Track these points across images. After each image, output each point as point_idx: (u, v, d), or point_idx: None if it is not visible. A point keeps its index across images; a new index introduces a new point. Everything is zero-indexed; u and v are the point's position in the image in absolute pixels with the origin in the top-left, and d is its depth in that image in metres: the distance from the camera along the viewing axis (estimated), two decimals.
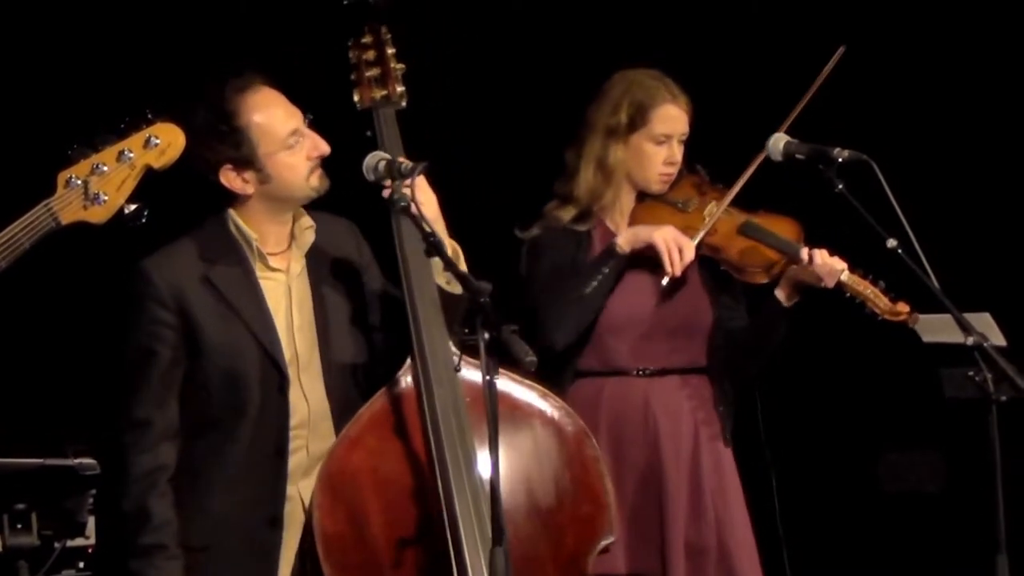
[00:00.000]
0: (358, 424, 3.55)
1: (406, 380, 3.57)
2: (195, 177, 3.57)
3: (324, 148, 3.59)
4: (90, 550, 4.09)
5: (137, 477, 3.51)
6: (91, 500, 4.01)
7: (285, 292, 3.62)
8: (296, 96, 3.65)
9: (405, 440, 3.53)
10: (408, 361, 3.58)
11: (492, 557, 3.18)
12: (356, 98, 3.74)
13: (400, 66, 3.75)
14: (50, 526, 3.99)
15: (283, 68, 3.75)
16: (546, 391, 3.66)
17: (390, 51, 3.76)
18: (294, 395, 3.57)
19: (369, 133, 3.70)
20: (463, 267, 3.59)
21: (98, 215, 3.25)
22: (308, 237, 3.66)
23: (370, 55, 3.76)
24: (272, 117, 3.55)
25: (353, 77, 3.75)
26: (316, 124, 3.65)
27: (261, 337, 3.56)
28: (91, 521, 4.02)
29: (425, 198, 3.57)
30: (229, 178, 3.58)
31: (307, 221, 3.66)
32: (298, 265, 3.65)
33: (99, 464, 3.99)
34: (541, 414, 3.63)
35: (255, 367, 3.54)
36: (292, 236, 3.65)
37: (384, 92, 3.73)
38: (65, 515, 3.98)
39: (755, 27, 5.23)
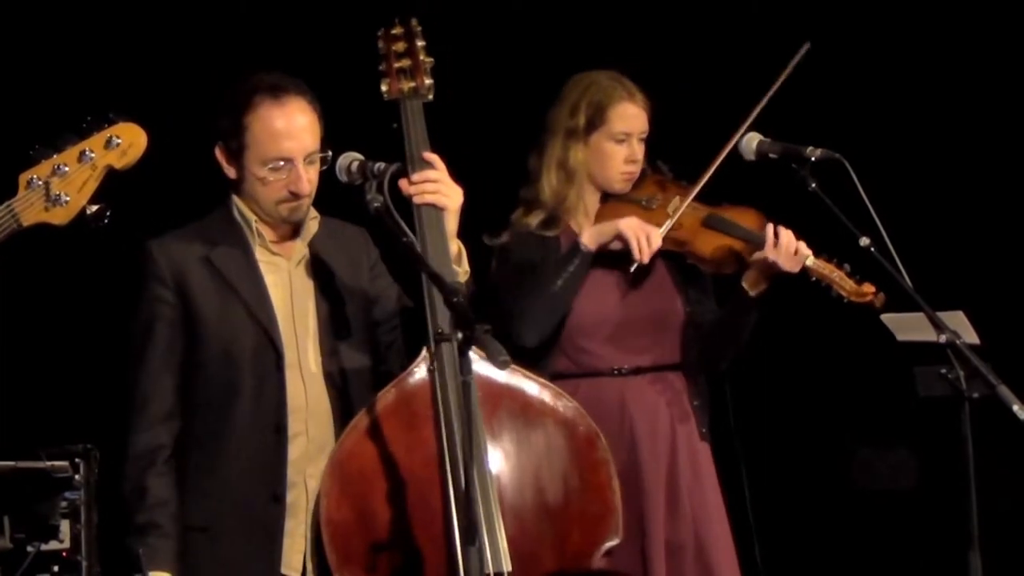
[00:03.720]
0: (371, 413, 3.54)
1: (420, 372, 3.56)
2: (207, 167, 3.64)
3: (301, 188, 3.59)
4: (64, 554, 4.07)
5: (135, 456, 3.56)
6: (64, 504, 3.99)
7: (286, 277, 3.66)
8: (320, 86, 3.62)
9: (416, 432, 3.53)
10: (422, 353, 3.56)
11: (467, 556, 3.18)
12: (384, 88, 3.71)
13: (429, 59, 3.72)
14: (23, 530, 3.97)
15: (308, 58, 3.74)
16: (559, 390, 3.66)
17: (420, 43, 3.72)
18: (292, 377, 3.60)
19: (395, 125, 3.68)
20: (466, 267, 3.63)
21: (60, 216, 3.24)
22: (312, 227, 3.69)
23: (400, 46, 3.72)
24: (268, 135, 3.58)
25: (381, 67, 3.72)
26: (341, 115, 3.63)
27: (258, 315, 3.59)
28: (64, 525, 4.01)
29: (450, 192, 3.58)
30: (220, 154, 3.64)
31: (311, 212, 3.70)
32: (299, 254, 3.68)
33: (96, 448, 4.00)
34: (554, 412, 3.62)
35: (251, 345, 3.58)
36: (296, 226, 3.68)
37: (412, 84, 3.70)
38: (38, 519, 3.96)
39: (718, 24, 5.24)
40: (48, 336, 4.69)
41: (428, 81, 3.70)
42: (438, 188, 3.57)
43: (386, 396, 3.55)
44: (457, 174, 3.42)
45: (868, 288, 3.90)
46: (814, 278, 3.95)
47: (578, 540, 3.57)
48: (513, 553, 3.34)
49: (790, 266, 3.94)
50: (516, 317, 3.96)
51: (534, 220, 4.12)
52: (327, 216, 3.73)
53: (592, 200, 4.15)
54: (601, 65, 4.16)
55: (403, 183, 3.56)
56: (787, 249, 3.92)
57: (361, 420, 3.54)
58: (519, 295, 3.97)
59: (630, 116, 4.09)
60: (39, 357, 4.66)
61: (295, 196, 3.60)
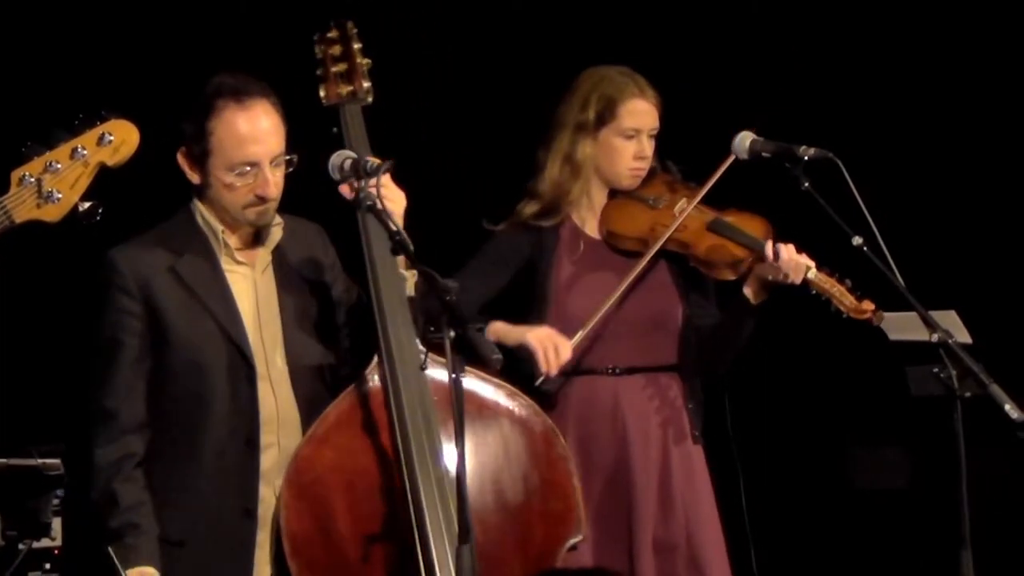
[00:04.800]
0: (325, 423, 3.54)
1: (373, 379, 3.57)
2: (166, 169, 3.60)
3: (268, 192, 3.55)
4: (56, 551, 4.07)
5: (103, 466, 3.51)
6: (56, 501, 3.99)
7: (251, 286, 3.62)
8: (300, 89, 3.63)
9: (372, 439, 3.53)
10: (375, 360, 3.58)
11: (459, 555, 3.18)
12: (322, 94, 3.72)
13: (366, 61, 3.73)
14: (15, 527, 3.97)
15: (250, 63, 3.74)
16: (514, 390, 3.66)
17: (356, 46, 3.73)
18: (262, 388, 3.57)
19: (335, 129, 3.69)
20: (413, 272, 3.60)
21: (52, 213, 3.23)
22: (276, 234, 3.65)
23: (336, 50, 3.73)
24: (233, 139, 3.53)
25: (319, 73, 3.73)
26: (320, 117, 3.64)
27: (227, 328, 3.55)
28: (56, 522, 4.00)
29: (393, 196, 3.57)
30: (183, 159, 3.59)
31: (276, 218, 3.65)
32: (264, 261, 3.65)
33: (67, 457, 3.98)
34: (509, 413, 3.63)
35: (221, 358, 3.54)
36: (259, 233, 3.64)
37: (350, 88, 3.71)
38: (30, 516, 3.96)
39: (728, 25, 5.24)
40: (41, 334, 4.68)
41: (366, 84, 3.70)
42: (383, 194, 3.52)
43: (340, 404, 3.55)
44: (460, 171, 3.44)
45: (868, 305, 3.90)
46: (814, 291, 3.94)
47: (541, 539, 3.57)
48: (479, 556, 3.29)
49: (791, 278, 3.93)
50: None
51: (529, 210, 4.11)
52: (287, 214, 3.69)
53: (599, 196, 4.15)
54: (604, 63, 4.15)
55: (344, 188, 3.54)
56: (789, 261, 3.92)
57: (317, 429, 3.53)
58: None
59: (640, 112, 4.08)
60: (32, 355, 4.65)
61: (262, 200, 3.55)
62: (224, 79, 3.57)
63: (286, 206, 3.67)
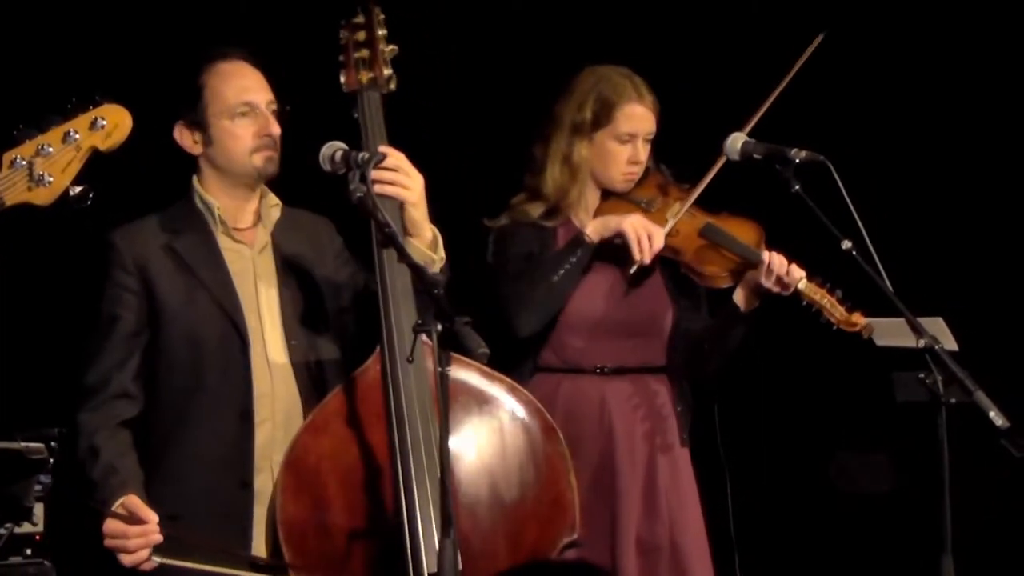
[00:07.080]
0: (325, 411, 3.56)
1: (374, 369, 3.57)
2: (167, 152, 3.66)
3: (273, 129, 3.62)
4: (38, 537, 4.07)
5: (86, 425, 3.55)
6: (39, 486, 3.99)
7: (249, 264, 3.67)
8: (284, 78, 3.67)
9: (370, 429, 3.53)
10: (377, 350, 3.57)
11: (441, 548, 3.17)
12: (342, 80, 3.72)
13: (389, 48, 3.71)
14: None
15: (272, 49, 3.76)
16: (515, 385, 3.66)
17: (380, 33, 3.71)
18: (257, 363, 3.60)
19: (355, 115, 3.69)
20: (442, 253, 3.63)
21: (43, 197, 3.23)
22: (274, 215, 3.71)
23: (360, 36, 3.72)
24: (228, 83, 3.63)
25: (341, 59, 3.73)
26: (303, 108, 3.67)
27: (223, 302, 3.60)
28: (39, 507, 4.00)
29: (407, 181, 3.58)
30: (181, 134, 3.66)
31: (273, 199, 3.72)
32: (262, 241, 3.69)
33: (59, 442, 3.99)
34: (510, 408, 3.63)
35: (216, 332, 3.59)
36: (258, 213, 3.69)
37: (371, 75, 3.70)
38: (11, 500, 3.96)
39: (722, 26, 5.25)
40: (26, 319, 4.67)
41: (387, 71, 3.69)
42: (395, 179, 3.57)
43: (341, 392, 3.56)
44: (462, 170, 3.42)
45: (859, 319, 3.91)
46: (805, 302, 3.95)
47: (534, 537, 3.56)
48: (464, 551, 3.31)
49: (781, 288, 3.94)
50: (515, 305, 3.94)
51: (536, 211, 4.11)
52: (292, 207, 3.74)
53: (593, 197, 4.15)
54: (604, 62, 4.15)
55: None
56: (780, 271, 3.93)
57: (316, 417, 3.55)
58: (518, 287, 3.95)
59: (636, 117, 4.07)
60: (17, 340, 4.64)
61: (269, 140, 3.62)
62: (201, 52, 3.68)
63: (298, 198, 3.68)
